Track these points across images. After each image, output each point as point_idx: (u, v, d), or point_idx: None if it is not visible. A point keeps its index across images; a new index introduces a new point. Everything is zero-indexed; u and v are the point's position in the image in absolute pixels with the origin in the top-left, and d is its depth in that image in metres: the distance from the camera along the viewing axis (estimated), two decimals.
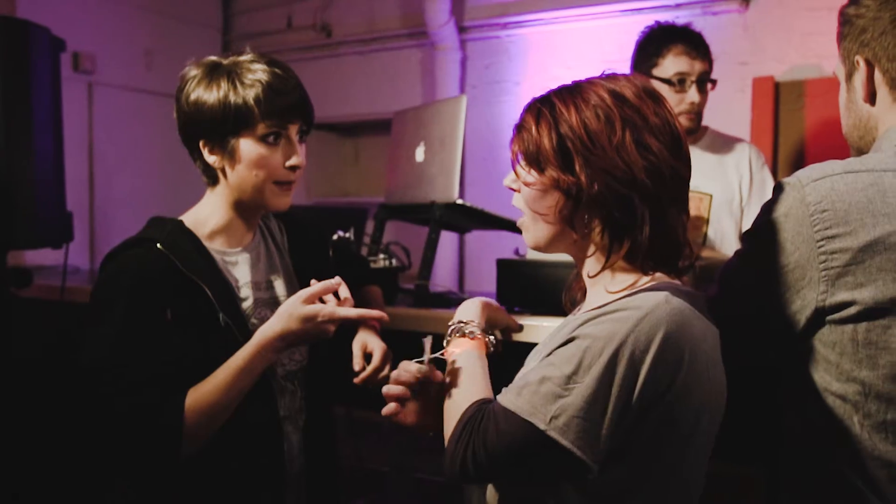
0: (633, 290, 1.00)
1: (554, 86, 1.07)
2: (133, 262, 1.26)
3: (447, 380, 1.08)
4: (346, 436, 1.80)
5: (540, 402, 0.92)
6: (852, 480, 1.04)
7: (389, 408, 1.10)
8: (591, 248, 1.04)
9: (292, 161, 1.32)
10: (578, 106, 1.00)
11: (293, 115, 1.31)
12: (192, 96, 1.29)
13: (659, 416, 0.92)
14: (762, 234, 1.10)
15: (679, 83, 2.04)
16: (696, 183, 2.20)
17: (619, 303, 0.96)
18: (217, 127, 1.28)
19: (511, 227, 2.19)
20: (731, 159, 2.21)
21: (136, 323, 1.22)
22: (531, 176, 1.04)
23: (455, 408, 1.01)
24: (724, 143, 2.23)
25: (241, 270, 1.36)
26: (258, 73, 1.28)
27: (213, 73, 1.29)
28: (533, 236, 1.07)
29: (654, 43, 2.09)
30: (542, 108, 1.03)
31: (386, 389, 1.11)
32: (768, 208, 1.10)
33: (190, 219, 1.35)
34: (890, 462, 1.01)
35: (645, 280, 1.02)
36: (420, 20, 4.12)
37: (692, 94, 2.04)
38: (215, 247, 1.35)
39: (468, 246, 4.25)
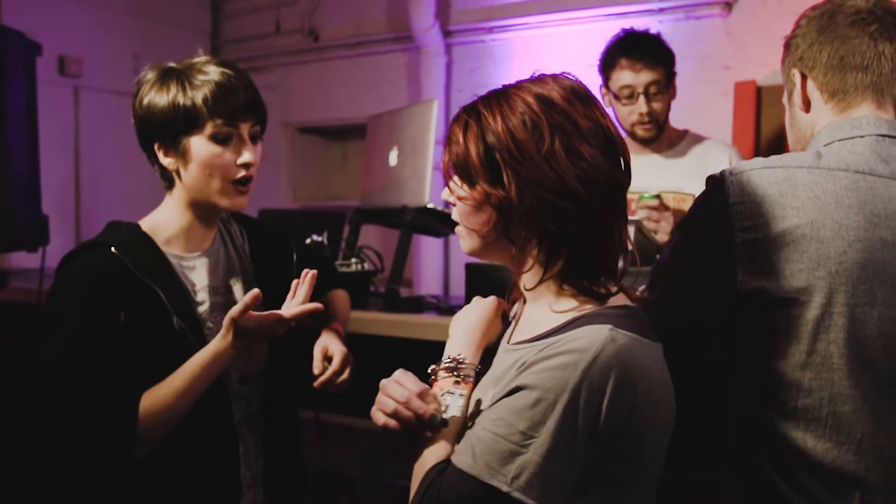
0: (577, 315, 0.96)
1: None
2: (86, 265, 1.27)
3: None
4: (314, 440, 1.80)
5: (497, 462, 0.90)
6: (766, 470, 1.06)
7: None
8: (529, 262, 1.01)
9: (243, 158, 1.32)
10: (504, 113, 0.96)
11: (244, 115, 1.32)
12: (145, 100, 1.31)
13: (622, 450, 0.92)
14: (689, 227, 1.15)
15: (627, 97, 2.11)
16: (679, 184, 2.26)
17: (561, 342, 0.92)
18: (168, 128, 1.30)
19: None
20: (712, 160, 2.24)
21: (89, 326, 1.22)
22: (463, 190, 1.00)
23: (421, 466, 0.98)
24: (704, 146, 2.28)
25: (198, 275, 1.37)
26: (209, 74, 1.30)
27: (165, 77, 1.31)
28: (468, 244, 1.04)
29: (607, 57, 2.16)
30: (469, 118, 1.00)
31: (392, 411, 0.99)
32: (696, 202, 1.15)
33: (148, 223, 1.36)
34: (800, 449, 1.03)
35: (587, 301, 0.98)
36: (405, 24, 4.13)
37: (640, 105, 2.10)
38: (173, 251, 1.35)
39: (453, 250, 4.25)
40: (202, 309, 1.35)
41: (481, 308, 1.13)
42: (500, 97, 0.99)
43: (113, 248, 1.26)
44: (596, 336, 0.91)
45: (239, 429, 1.36)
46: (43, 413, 1.29)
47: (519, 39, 4.02)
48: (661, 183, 2.19)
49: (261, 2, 4.81)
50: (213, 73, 1.30)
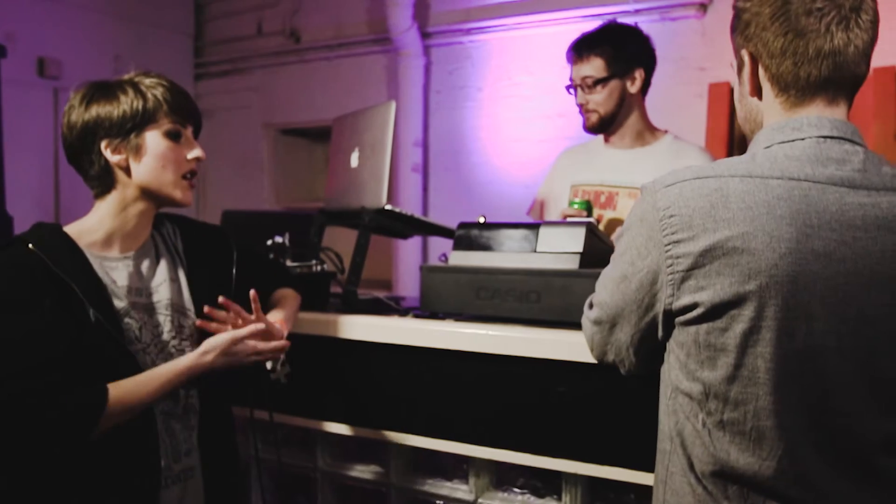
0: None
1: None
2: (4, 261, 1.30)
3: None
4: (271, 441, 1.80)
5: None
6: (689, 477, 1.06)
7: None
8: None
9: (195, 153, 1.43)
10: None
11: (190, 116, 1.44)
12: (92, 110, 1.35)
13: None
14: (624, 238, 1.13)
15: (573, 90, 2.23)
16: (647, 180, 2.25)
17: None
18: (122, 125, 1.35)
19: (445, 232, 2.20)
20: (686, 164, 2.22)
21: (12, 317, 1.25)
22: None
23: None
24: (679, 150, 2.25)
25: (120, 274, 1.39)
26: (155, 79, 1.40)
27: (108, 89, 1.37)
28: None
29: None
30: None
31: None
32: (631, 212, 1.12)
33: (74, 227, 1.40)
34: (724, 461, 1.03)
35: None
36: (384, 26, 4.14)
37: (579, 97, 2.21)
38: (95, 252, 1.38)
39: (432, 252, 4.26)
40: (120, 304, 1.37)
41: None
42: None
43: (30, 245, 1.30)
44: None
45: (166, 422, 1.38)
46: None
47: (496, 41, 4.03)
48: (629, 177, 2.20)
49: (243, 4, 4.82)
50: (159, 78, 1.40)
